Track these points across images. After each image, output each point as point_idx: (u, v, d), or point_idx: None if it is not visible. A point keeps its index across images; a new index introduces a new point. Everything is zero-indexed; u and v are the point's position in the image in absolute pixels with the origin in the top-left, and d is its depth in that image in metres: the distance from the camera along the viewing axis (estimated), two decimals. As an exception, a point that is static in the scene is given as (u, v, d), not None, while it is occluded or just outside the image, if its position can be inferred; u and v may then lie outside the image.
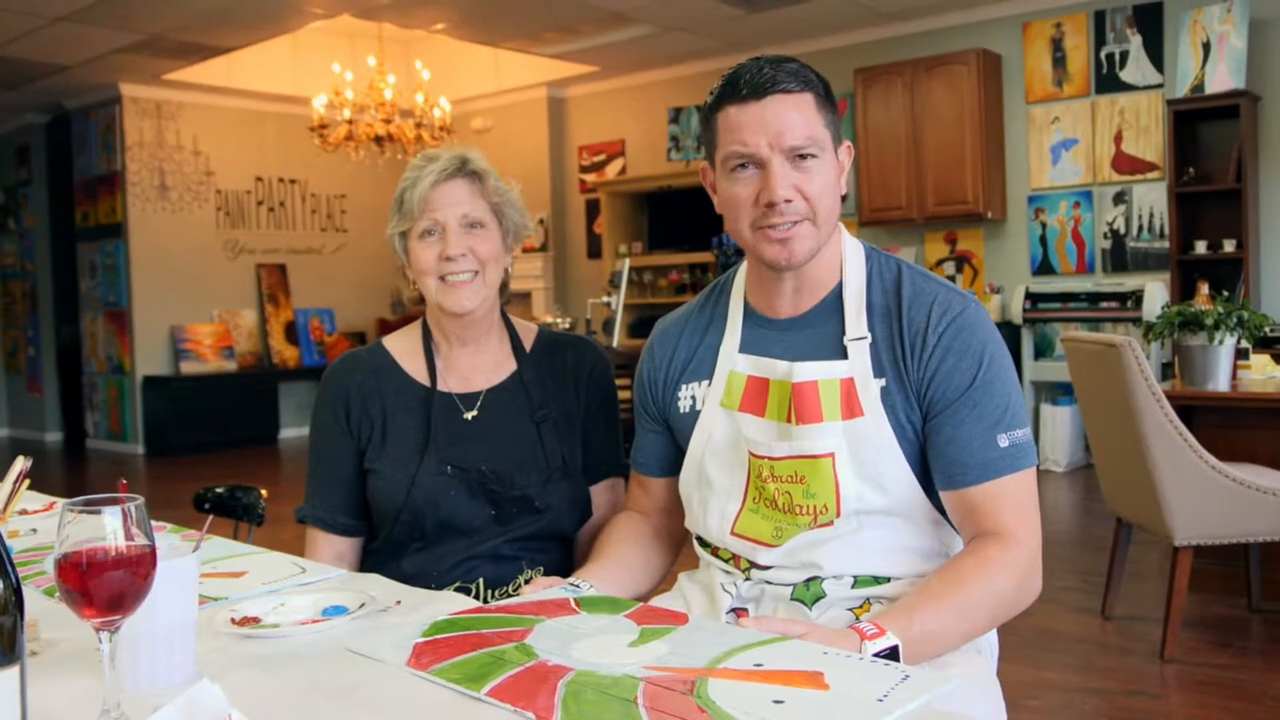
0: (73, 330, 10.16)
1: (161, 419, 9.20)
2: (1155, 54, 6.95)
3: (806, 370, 1.46)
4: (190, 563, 1.16)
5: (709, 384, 1.57)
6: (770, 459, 1.46)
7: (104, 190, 9.50)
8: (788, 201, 1.41)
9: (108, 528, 0.97)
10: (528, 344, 1.89)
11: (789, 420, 1.46)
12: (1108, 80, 7.15)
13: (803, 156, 1.42)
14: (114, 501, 0.98)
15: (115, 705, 0.99)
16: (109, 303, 9.54)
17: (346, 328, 10.56)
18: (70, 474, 8.62)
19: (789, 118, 1.41)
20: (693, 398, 1.59)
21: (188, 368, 9.43)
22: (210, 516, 1.43)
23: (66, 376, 10.42)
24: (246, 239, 9.96)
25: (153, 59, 8.38)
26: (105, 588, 0.97)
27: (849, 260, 1.52)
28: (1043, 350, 7.23)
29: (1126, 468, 3.41)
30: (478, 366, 1.85)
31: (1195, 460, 3.23)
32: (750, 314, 1.57)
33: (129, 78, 8.98)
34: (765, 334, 1.54)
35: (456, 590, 1.68)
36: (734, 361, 1.55)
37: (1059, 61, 7.32)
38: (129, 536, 0.98)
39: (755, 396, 1.51)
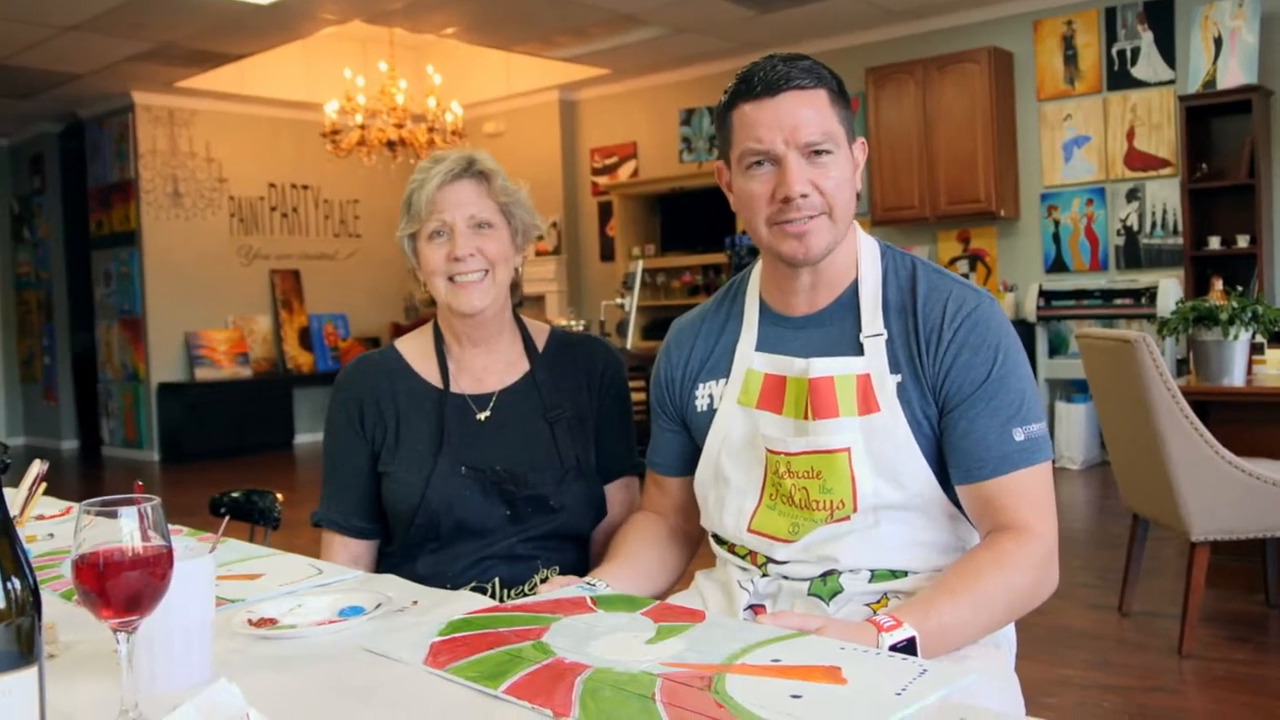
0: (88, 338, 10.21)
1: (177, 425, 9.24)
2: (1167, 50, 6.92)
3: (823, 366, 1.46)
4: (207, 563, 1.16)
5: (726, 382, 1.57)
6: (787, 455, 1.46)
7: (118, 198, 9.55)
8: (804, 196, 1.41)
9: (124, 529, 0.98)
10: (540, 344, 1.89)
11: (805, 416, 1.46)
12: (1119, 77, 7.12)
13: (818, 152, 1.42)
14: (130, 503, 0.98)
15: (133, 705, 0.99)
16: (124, 310, 9.59)
17: (360, 333, 10.58)
18: (86, 481, 8.65)
19: (803, 114, 1.41)
20: (710, 396, 1.59)
21: (202, 374, 9.47)
22: (226, 518, 1.43)
23: (82, 384, 10.47)
24: (260, 245, 10.00)
25: (165, 67, 8.43)
26: (122, 588, 0.97)
27: (864, 257, 1.52)
28: (1057, 348, 7.20)
29: (1142, 464, 3.39)
30: (490, 367, 1.85)
31: (1211, 455, 3.22)
32: (766, 312, 1.57)
33: (142, 86, 9.03)
34: (781, 332, 1.54)
35: (472, 590, 1.68)
36: (751, 359, 1.55)
37: (1070, 59, 7.29)
38: (145, 537, 0.98)
39: (772, 394, 1.51)
